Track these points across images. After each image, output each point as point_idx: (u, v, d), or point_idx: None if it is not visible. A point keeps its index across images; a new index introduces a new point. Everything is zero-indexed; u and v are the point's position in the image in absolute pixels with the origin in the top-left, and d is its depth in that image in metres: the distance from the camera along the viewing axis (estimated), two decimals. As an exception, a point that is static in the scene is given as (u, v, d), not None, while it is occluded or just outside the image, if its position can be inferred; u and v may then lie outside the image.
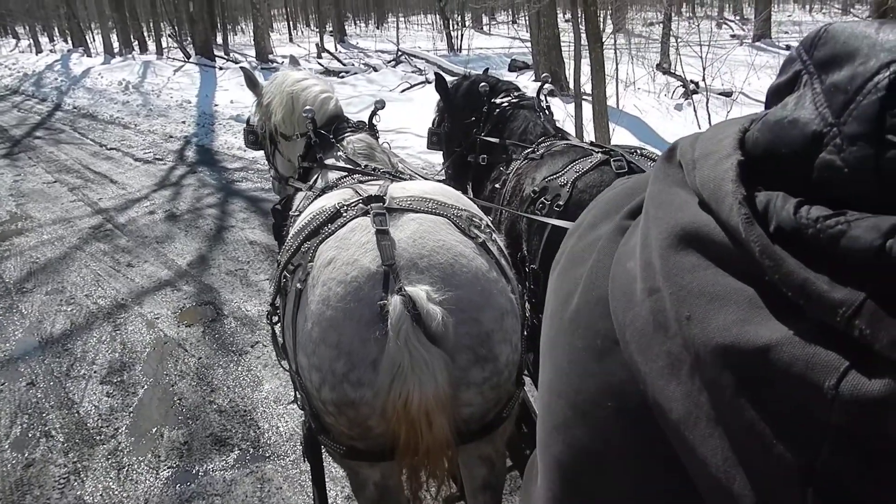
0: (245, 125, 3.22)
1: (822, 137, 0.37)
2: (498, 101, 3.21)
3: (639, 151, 2.49)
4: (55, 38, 35.94)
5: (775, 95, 0.44)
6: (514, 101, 3.20)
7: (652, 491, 0.46)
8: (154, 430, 3.37)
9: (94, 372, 3.93)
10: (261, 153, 3.42)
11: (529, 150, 2.83)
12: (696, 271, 0.41)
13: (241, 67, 3.28)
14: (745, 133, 0.44)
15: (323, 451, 2.00)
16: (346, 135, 2.59)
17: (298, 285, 1.71)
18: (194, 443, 3.25)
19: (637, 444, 0.46)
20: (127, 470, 3.09)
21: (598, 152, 2.49)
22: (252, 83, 3.11)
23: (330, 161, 2.49)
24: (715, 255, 0.41)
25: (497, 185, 2.91)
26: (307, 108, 2.63)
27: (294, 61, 3.47)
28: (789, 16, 29.09)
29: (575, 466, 0.51)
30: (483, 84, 3.27)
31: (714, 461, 0.38)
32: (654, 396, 0.43)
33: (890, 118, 0.34)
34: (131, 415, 3.50)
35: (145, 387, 3.75)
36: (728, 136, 0.45)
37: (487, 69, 4.05)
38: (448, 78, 3.50)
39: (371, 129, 2.75)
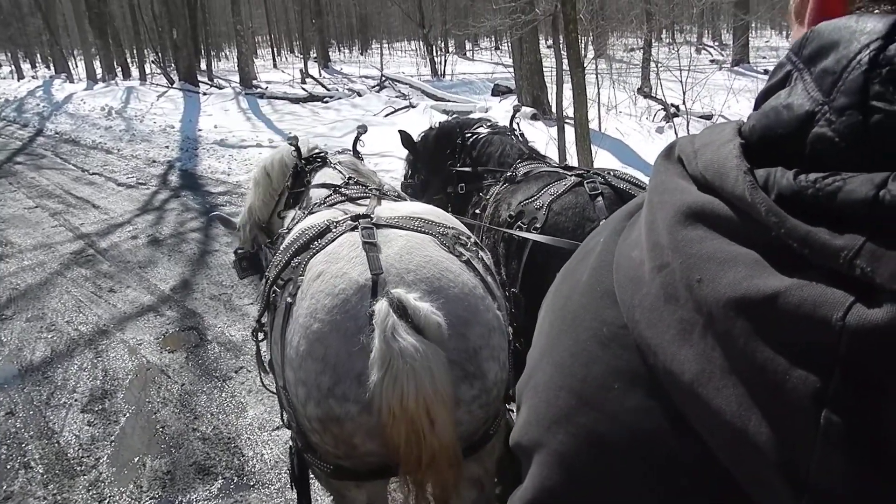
0: (234, 255, 3.11)
1: (813, 115, 0.40)
2: (472, 131, 3.27)
3: (612, 173, 2.53)
4: (37, 65, 35.88)
5: (766, 96, 0.47)
6: (487, 129, 3.26)
7: (660, 468, 0.47)
8: (136, 460, 3.30)
9: (75, 400, 3.86)
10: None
11: (508, 172, 2.86)
12: (704, 241, 0.44)
13: (212, 216, 3.29)
14: (741, 126, 0.48)
15: (311, 478, 1.97)
16: (331, 157, 2.64)
17: (289, 299, 1.71)
18: (177, 472, 3.19)
19: (646, 420, 0.48)
20: (108, 502, 3.02)
21: (571, 175, 2.54)
22: (226, 223, 3.23)
23: (318, 179, 2.54)
24: (720, 228, 0.44)
25: (478, 211, 2.94)
26: (290, 137, 2.70)
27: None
28: (767, 41, 29.71)
29: (579, 454, 0.51)
30: (455, 116, 3.35)
31: (729, 408, 0.40)
32: (666, 365, 0.45)
33: (873, 87, 0.38)
34: (113, 444, 3.44)
35: (127, 415, 3.69)
36: (726, 129, 0.49)
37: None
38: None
39: (355, 154, 2.80)
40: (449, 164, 3.25)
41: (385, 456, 1.60)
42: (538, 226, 2.36)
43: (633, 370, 0.49)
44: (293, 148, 2.68)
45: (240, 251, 3.09)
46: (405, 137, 3.44)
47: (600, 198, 2.33)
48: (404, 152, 3.72)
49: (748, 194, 0.41)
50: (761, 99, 0.48)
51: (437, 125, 3.59)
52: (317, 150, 2.84)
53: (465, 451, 1.73)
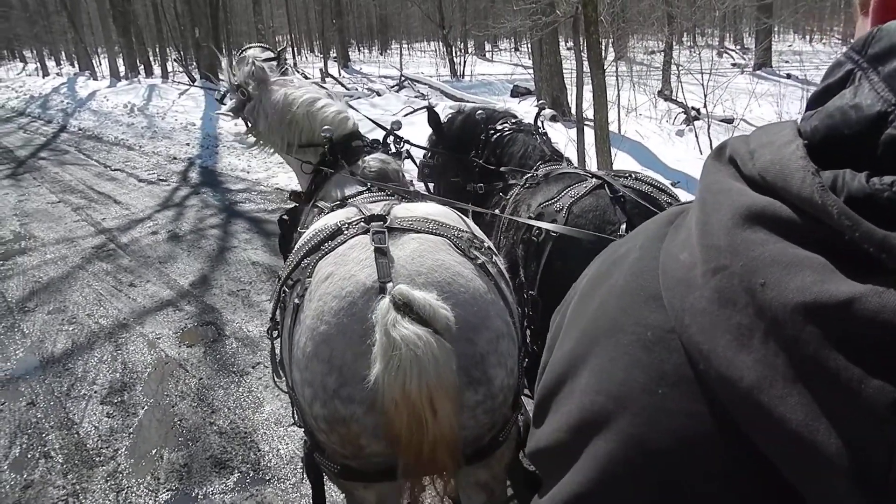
0: (223, 98, 3.11)
1: (886, 116, 0.39)
2: (496, 127, 3.23)
3: (633, 175, 2.50)
4: (62, 62, 36.36)
5: (824, 95, 0.46)
6: (512, 126, 3.22)
7: (706, 475, 0.45)
8: (154, 452, 3.34)
9: (95, 392, 3.91)
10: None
11: (529, 174, 2.84)
12: (766, 245, 0.42)
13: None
14: (799, 127, 0.47)
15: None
16: (363, 154, 2.62)
17: (297, 300, 1.72)
18: (194, 465, 3.22)
19: (692, 426, 0.46)
20: (126, 492, 3.06)
21: (592, 177, 2.51)
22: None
23: (343, 178, 2.52)
24: (783, 231, 0.42)
25: (497, 211, 2.92)
26: (325, 128, 2.66)
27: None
28: (789, 45, 29.37)
29: (619, 460, 0.49)
30: (480, 112, 3.30)
31: (794, 417, 0.39)
32: (720, 370, 0.43)
33: None
34: (131, 436, 3.48)
35: (145, 407, 3.73)
36: (784, 129, 0.47)
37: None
38: (442, 105, 3.53)
39: (385, 148, 2.77)
40: (472, 156, 3.21)
41: (391, 456, 1.59)
42: None
43: (679, 374, 0.48)
44: (326, 139, 2.63)
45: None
46: (432, 115, 3.41)
47: (621, 201, 2.31)
48: (421, 151, 3.71)
49: (818, 196, 0.40)
50: (818, 98, 0.47)
51: (464, 109, 3.55)
52: (353, 134, 2.77)
53: (472, 457, 1.73)
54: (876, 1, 0.50)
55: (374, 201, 2.18)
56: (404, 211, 1.92)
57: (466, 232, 1.89)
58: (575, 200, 2.38)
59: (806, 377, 0.39)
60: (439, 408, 1.47)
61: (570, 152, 7.19)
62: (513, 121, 3.29)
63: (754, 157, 0.47)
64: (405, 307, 1.44)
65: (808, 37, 34.55)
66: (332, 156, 2.64)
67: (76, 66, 28.77)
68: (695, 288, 0.47)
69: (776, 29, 24.06)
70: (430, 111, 3.43)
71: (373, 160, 2.57)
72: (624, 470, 0.49)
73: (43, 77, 27.18)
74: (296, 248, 1.98)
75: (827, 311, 0.38)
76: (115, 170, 10.20)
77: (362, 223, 1.83)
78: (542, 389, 0.63)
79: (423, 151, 3.61)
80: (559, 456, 0.55)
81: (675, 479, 0.47)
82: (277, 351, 1.97)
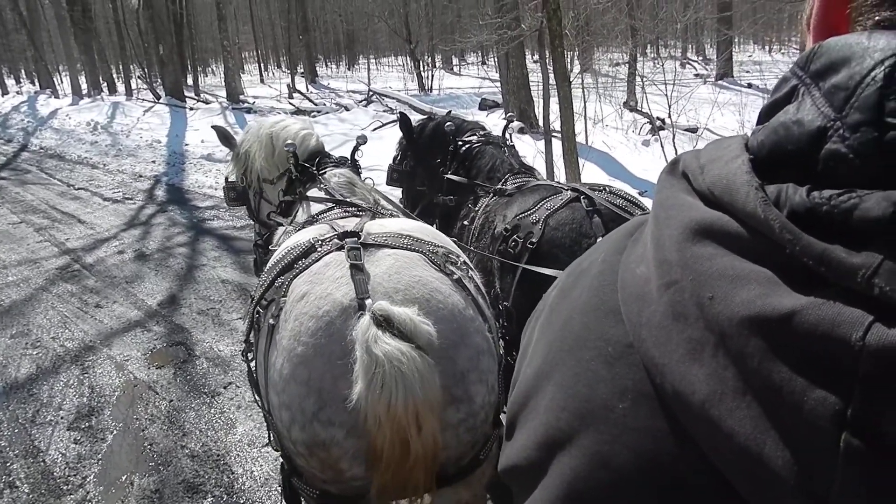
0: (224, 183, 3.12)
1: (825, 131, 0.40)
2: (464, 139, 3.25)
3: (607, 189, 2.53)
4: (21, 80, 35.66)
5: (771, 110, 0.46)
6: (481, 139, 3.24)
7: (668, 491, 0.45)
8: (124, 478, 3.25)
9: (61, 418, 3.80)
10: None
11: (498, 186, 2.86)
12: (714, 259, 0.43)
13: (212, 127, 3.21)
14: (747, 141, 0.47)
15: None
16: (328, 169, 2.59)
17: (271, 321, 1.68)
18: (166, 490, 3.15)
19: (653, 442, 0.46)
20: (95, 520, 2.97)
21: (567, 190, 2.53)
22: (226, 138, 3.06)
23: (311, 194, 2.49)
24: (730, 245, 0.43)
25: (466, 223, 2.93)
26: (288, 142, 2.63)
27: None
28: (750, 55, 30.09)
29: (584, 477, 0.49)
30: (449, 124, 3.31)
31: (742, 430, 0.39)
32: (674, 385, 0.44)
33: (889, 104, 0.38)
34: (100, 462, 3.38)
35: (114, 432, 3.64)
36: (733, 143, 0.48)
37: (450, 111, 4.12)
38: (411, 118, 3.55)
39: (353, 165, 2.75)
40: (441, 171, 3.23)
41: (370, 476, 1.55)
42: (534, 240, 2.35)
43: (639, 390, 0.48)
44: (291, 154, 2.62)
45: (230, 181, 3.05)
46: (404, 121, 3.43)
47: (597, 214, 2.32)
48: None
49: (761, 211, 0.41)
50: (766, 113, 0.47)
51: (435, 117, 3.57)
52: (316, 151, 2.76)
53: (453, 476, 1.71)
54: (816, 19, 0.50)
55: (345, 217, 2.16)
56: (378, 227, 1.90)
57: (441, 247, 1.86)
58: (551, 213, 2.39)
59: (753, 390, 0.39)
60: (424, 424, 1.45)
61: (539, 163, 7.25)
62: (481, 133, 3.31)
63: (704, 172, 0.47)
64: (385, 323, 1.42)
65: (767, 47, 35.44)
66: (298, 172, 2.62)
67: (37, 84, 28.19)
68: (650, 302, 0.47)
69: (737, 40, 24.65)
70: (403, 116, 3.46)
71: (339, 174, 2.55)
72: (589, 487, 0.49)
73: (2, 96, 26.59)
74: (268, 267, 1.94)
75: (770, 325, 0.38)
76: (79, 189, 10.00)
77: (336, 240, 1.80)
78: (511, 404, 0.63)
79: (393, 155, 3.62)
80: (528, 473, 0.55)
81: (641, 498, 0.47)
82: (254, 370, 1.93)
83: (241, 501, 3.05)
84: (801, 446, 0.37)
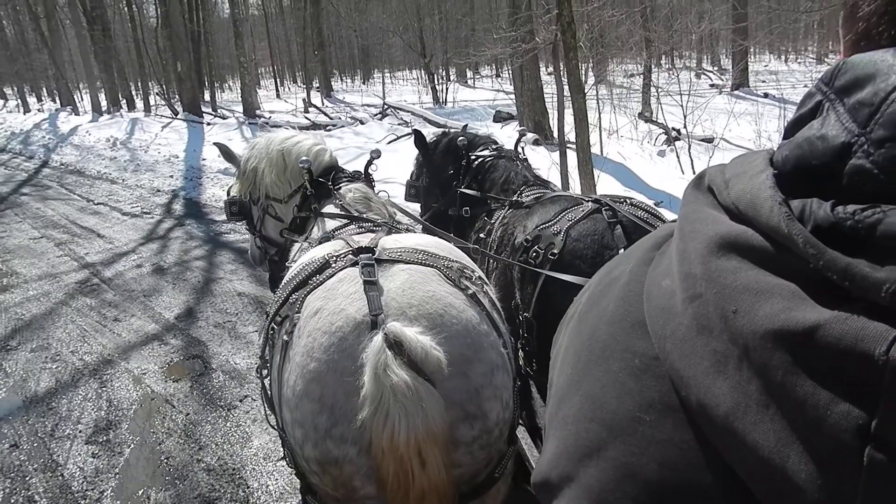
0: (225, 198, 3.13)
1: (850, 147, 0.40)
2: (477, 153, 3.26)
3: (628, 201, 2.51)
4: (43, 98, 36.29)
5: (796, 125, 0.47)
6: (493, 153, 3.24)
7: (690, 498, 0.45)
8: (140, 492, 3.26)
9: (80, 431, 3.82)
10: None
11: (514, 198, 2.85)
12: (738, 272, 0.43)
13: (214, 144, 3.23)
14: (771, 156, 0.48)
15: None
16: (343, 184, 2.59)
17: (285, 337, 1.67)
18: None
19: (678, 454, 0.46)
20: (112, 533, 2.98)
21: (588, 201, 2.51)
22: (229, 156, 3.07)
23: (327, 210, 2.48)
24: (755, 258, 0.43)
25: (482, 235, 2.92)
26: (303, 158, 2.64)
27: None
28: (766, 65, 29.96)
29: (611, 489, 0.49)
30: (461, 139, 3.32)
31: (766, 444, 0.39)
32: (699, 397, 0.44)
33: None
34: (117, 476, 3.40)
35: (132, 446, 3.65)
36: (757, 158, 0.48)
37: (466, 125, 4.13)
38: (426, 131, 3.56)
39: (367, 178, 2.75)
40: (454, 185, 3.24)
41: (385, 500, 1.54)
42: (555, 251, 2.33)
43: (665, 402, 0.48)
44: (305, 170, 2.63)
45: (232, 196, 3.05)
46: (418, 137, 3.45)
47: (619, 226, 2.31)
48: (406, 179, 3.72)
49: (784, 226, 0.41)
50: (791, 128, 0.48)
51: (449, 132, 3.58)
52: (330, 166, 2.76)
53: (469, 494, 1.68)
54: (846, 37, 0.51)
55: (360, 233, 2.15)
56: (392, 242, 1.89)
57: (456, 262, 1.85)
58: (573, 224, 2.37)
59: (776, 403, 0.39)
60: (427, 458, 1.44)
61: (554, 175, 7.24)
62: (493, 147, 3.31)
63: (729, 187, 0.48)
64: (397, 346, 1.42)
65: (783, 57, 35.27)
66: (312, 188, 2.62)
67: (58, 101, 28.70)
68: (675, 315, 0.48)
69: (752, 50, 24.53)
70: (417, 133, 3.47)
71: (354, 189, 2.55)
72: (617, 499, 0.49)
73: (24, 113, 27.08)
74: (283, 283, 1.93)
75: (793, 338, 0.39)
76: (99, 204, 10.13)
77: (350, 255, 1.80)
78: (547, 414, 0.64)
79: (410, 171, 3.63)
80: (558, 486, 0.55)
81: None
82: (268, 387, 1.92)
83: (257, 515, 3.04)
84: (825, 460, 0.37)
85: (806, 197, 0.42)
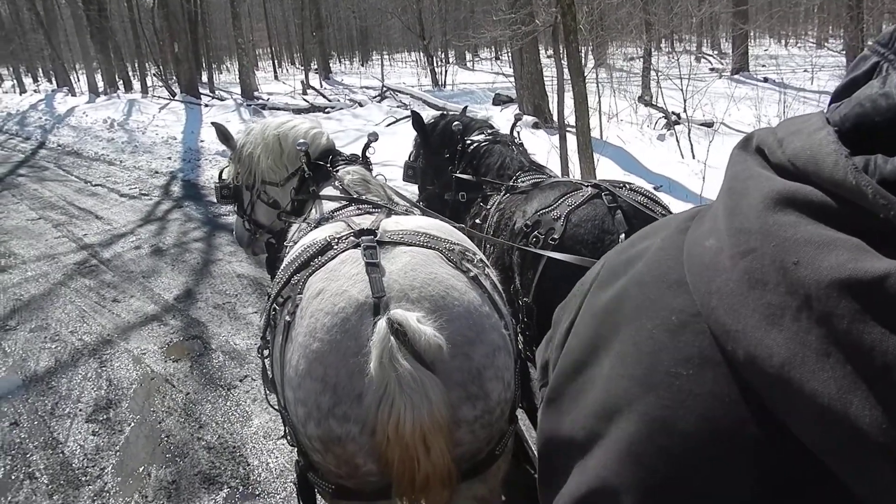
0: (217, 181, 3.12)
1: None
2: (472, 138, 3.25)
3: (627, 186, 2.51)
4: (39, 79, 36.03)
5: (850, 87, 0.47)
6: (489, 137, 3.23)
7: (735, 455, 0.45)
8: (141, 470, 3.29)
9: (80, 410, 3.85)
10: None
11: (510, 183, 2.85)
12: (798, 226, 0.43)
13: (212, 123, 3.22)
14: (826, 116, 0.48)
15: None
16: (340, 167, 2.59)
17: (287, 318, 1.68)
18: (182, 482, 3.18)
19: (721, 407, 0.46)
20: (113, 510, 3.01)
21: (587, 186, 2.51)
22: (225, 137, 3.05)
23: (326, 192, 2.48)
24: (815, 214, 0.43)
25: (478, 220, 2.92)
26: (300, 141, 2.63)
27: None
28: (766, 50, 29.79)
29: (644, 442, 0.50)
30: (457, 123, 3.31)
31: (826, 391, 0.39)
32: (749, 350, 0.44)
33: None
34: (117, 454, 3.42)
35: (132, 424, 3.68)
36: (812, 117, 0.48)
37: (466, 107, 4.12)
38: (425, 114, 3.55)
39: (364, 161, 2.75)
40: (449, 169, 3.24)
41: (387, 475, 1.57)
42: (556, 236, 2.33)
43: (705, 357, 0.48)
44: (302, 153, 2.63)
45: (224, 180, 3.05)
46: (416, 119, 3.44)
47: (619, 210, 2.31)
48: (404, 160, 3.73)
49: (852, 177, 0.41)
50: (844, 90, 0.48)
51: (446, 115, 3.57)
52: (327, 149, 2.76)
53: (469, 472, 1.71)
54: None
55: (360, 215, 2.16)
56: (394, 224, 1.90)
57: (458, 244, 1.86)
58: (573, 209, 2.37)
59: (840, 352, 0.39)
60: (432, 445, 1.47)
61: (553, 159, 7.23)
62: (489, 131, 3.31)
63: (783, 145, 0.47)
64: (401, 333, 1.44)
65: (783, 41, 35.08)
66: (310, 170, 2.62)
67: (54, 82, 28.50)
68: (722, 271, 0.47)
69: (752, 34, 24.39)
70: (415, 115, 3.46)
71: (352, 171, 2.55)
72: (649, 451, 0.49)
73: (20, 94, 26.91)
74: (284, 265, 1.94)
75: (862, 287, 0.39)
76: (96, 185, 10.10)
77: (352, 237, 1.81)
78: (558, 376, 0.62)
79: (409, 152, 3.63)
80: (585, 444, 0.55)
81: (703, 462, 0.47)
82: (268, 367, 1.94)
83: (257, 493, 3.07)
84: (892, 405, 0.37)
85: (867, 154, 0.42)
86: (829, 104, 0.49)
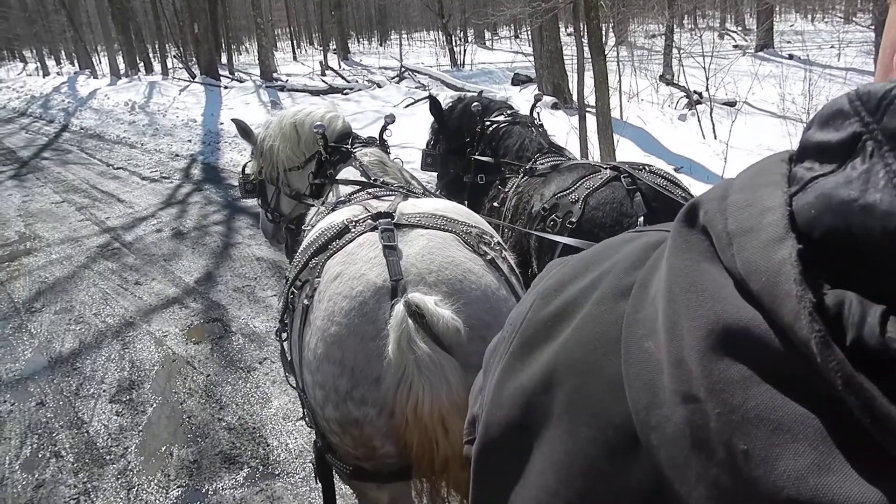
0: (240, 176, 3.15)
1: None
2: (491, 119, 3.22)
3: (647, 168, 2.48)
4: (62, 61, 36.33)
5: (820, 153, 0.36)
6: (508, 118, 3.20)
7: None
8: (163, 449, 3.35)
9: (104, 391, 3.93)
10: None
11: (528, 165, 2.83)
12: (748, 388, 0.34)
13: (231, 120, 3.24)
14: (790, 202, 0.36)
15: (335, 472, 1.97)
16: (357, 149, 2.60)
17: (305, 301, 1.70)
18: (203, 461, 3.24)
19: None
20: (136, 490, 3.07)
21: (606, 168, 2.48)
22: (245, 133, 3.08)
23: (343, 175, 2.49)
24: (769, 367, 0.33)
25: (496, 204, 2.90)
26: (317, 124, 2.64)
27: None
28: (791, 25, 29.15)
29: None
30: (476, 104, 3.28)
31: None
32: None
33: None
34: (140, 434, 3.49)
35: (154, 405, 3.75)
36: (772, 208, 0.36)
37: (482, 91, 4.08)
38: (443, 95, 3.53)
39: (381, 144, 2.75)
40: (469, 152, 3.22)
41: (405, 457, 1.59)
42: (573, 220, 2.31)
43: (647, 498, 0.40)
44: (320, 136, 2.63)
45: (247, 174, 3.09)
46: (434, 104, 3.42)
47: (638, 193, 2.28)
48: (423, 143, 3.71)
49: (816, 352, 0.31)
50: (811, 150, 0.37)
51: (464, 97, 3.55)
52: (344, 132, 2.77)
53: None
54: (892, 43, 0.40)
55: (378, 198, 2.16)
56: (411, 207, 1.90)
57: (475, 227, 1.86)
58: (591, 192, 2.35)
59: None
60: (451, 427, 1.49)
61: (573, 139, 7.17)
62: (508, 112, 3.28)
63: (734, 246, 0.36)
64: (419, 315, 1.45)
65: (809, 16, 34.25)
66: (327, 153, 2.63)
67: (76, 64, 28.73)
68: (662, 403, 0.38)
69: (777, 9, 23.85)
70: (433, 100, 3.44)
71: (369, 153, 2.55)
72: None
73: (43, 77, 27.17)
74: (302, 248, 1.95)
75: None
76: (118, 168, 10.21)
77: (369, 220, 1.81)
78: (486, 449, 0.54)
79: (426, 140, 3.62)
80: None
81: None
82: (287, 350, 1.96)
83: (277, 472, 3.12)
84: None
85: (839, 273, 0.32)
86: (797, 156, 0.38)
